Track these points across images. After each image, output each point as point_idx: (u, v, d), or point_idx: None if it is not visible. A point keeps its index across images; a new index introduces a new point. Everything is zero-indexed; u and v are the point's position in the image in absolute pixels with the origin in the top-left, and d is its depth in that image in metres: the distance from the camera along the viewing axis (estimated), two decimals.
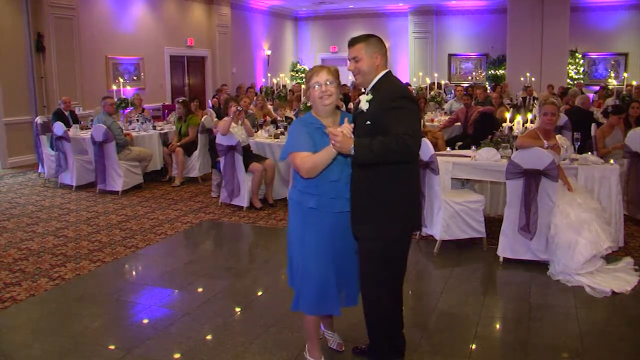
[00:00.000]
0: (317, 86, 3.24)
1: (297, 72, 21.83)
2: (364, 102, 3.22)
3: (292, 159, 3.26)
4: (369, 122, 3.13)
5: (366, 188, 3.21)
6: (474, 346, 3.93)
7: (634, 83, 16.59)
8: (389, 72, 3.31)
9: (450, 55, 20.82)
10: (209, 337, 4.09)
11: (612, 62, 19.19)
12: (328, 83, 3.23)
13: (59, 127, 8.81)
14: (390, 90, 3.20)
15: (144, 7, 14.57)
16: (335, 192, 3.29)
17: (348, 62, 3.36)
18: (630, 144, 6.65)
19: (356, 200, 3.27)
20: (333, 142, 3.00)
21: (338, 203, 3.30)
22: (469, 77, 20.52)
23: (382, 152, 2.99)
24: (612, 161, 6.09)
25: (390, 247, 3.27)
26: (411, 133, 3.00)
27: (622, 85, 16.19)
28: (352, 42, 3.31)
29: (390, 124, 3.04)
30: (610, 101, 13.27)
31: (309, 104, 9.31)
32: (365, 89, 3.36)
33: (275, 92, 16.62)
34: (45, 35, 11.40)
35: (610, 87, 16.98)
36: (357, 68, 3.28)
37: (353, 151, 3.01)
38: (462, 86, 15.62)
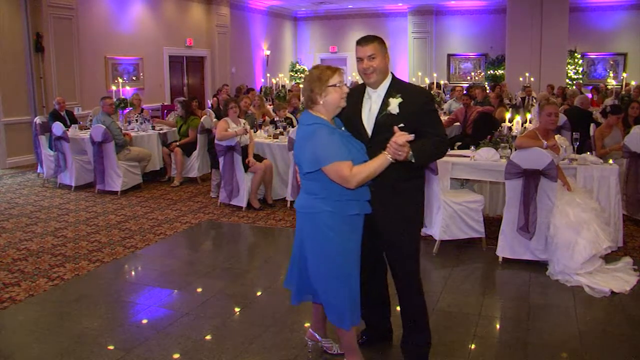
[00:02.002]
0: (338, 86, 3.15)
1: (296, 72, 21.83)
2: (394, 105, 3.21)
3: (335, 170, 3.03)
4: (402, 125, 3.08)
5: (404, 189, 3.31)
6: (473, 346, 3.93)
7: (633, 83, 16.63)
8: (394, 75, 3.41)
9: (449, 56, 20.83)
10: (208, 337, 4.09)
11: (611, 62, 19.21)
12: (343, 84, 3.21)
13: (58, 127, 8.80)
14: (420, 92, 3.40)
15: (143, 7, 14.57)
16: (368, 195, 3.24)
17: (359, 61, 3.30)
18: (630, 144, 6.65)
19: (396, 200, 3.30)
20: (399, 153, 2.97)
21: (368, 205, 3.27)
22: (468, 77, 20.52)
23: (435, 153, 3.32)
24: (611, 161, 6.09)
25: (419, 242, 3.50)
26: (445, 133, 3.32)
27: (621, 85, 16.19)
28: (367, 41, 3.29)
29: (428, 126, 3.22)
30: (609, 101, 13.28)
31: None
32: (370, 88, 3.34)
33: (275, 92, 16.62)
34: (44, 36, 11.39)
35: (609, 87, 17.00)
36: (372, 66, 3.25)
37: (413, 158, 3.05)
38: (462, 86, 15.63)
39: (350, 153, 3.08)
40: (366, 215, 3.27)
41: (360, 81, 3.58)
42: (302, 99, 3.31)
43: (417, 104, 3.23)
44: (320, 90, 3.11)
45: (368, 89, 3.39)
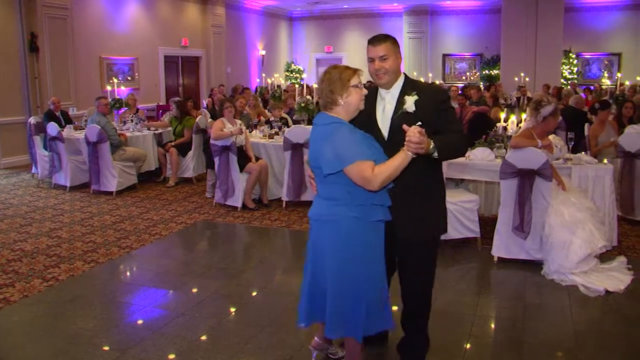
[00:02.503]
0: (359, 87, 3.03)
1: (291, 72, 21.83)
2: (410, 104, 3.11)
3: (358, 170, 2.87)
4: (420, 123, 2.95)
5: (424, 192, 3.25)
6: (468, 345, 3.94)
7: (627, 83, 16.67)
8: (406, 74, 3.32)
9: (444, 55, 20.86)
10: (203, 337, 4.08)
11: (606, 62, 19.27)
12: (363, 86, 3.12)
13: (52, 128, 8.78)
14: (437, 90, 3.37)
15: (138, 7, 14.54)
16: (389, 201, 3.11)
17: (371, 61, 3.19)
18: (624, 143, 6.68)
19: (418, 202, 3.23)
20: (421, 147, 2.84)
21: (389, 212, 3.14)
22: (464, 77, 20.56)
23: (458, 148, 3.21)
24: (605, 161, 6.11)
25: (437, 247, 3.45)
26: (463, 130, 3.29)
27: (615, 85, 16.25)
28: (379, 41, 3.17)
29: (448, 123, 3.17)
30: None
31: (303, 104, 9.33)
32: (383, 89, 3.26)
33: (270, 92, 16.61)
34: (38, 35, 11.35)
35: (603, 86, 17.05)
36: (384, 67, 3.15)
37: (436, 151, 2.95)
38: (457, 86, 15.65)
39: (371, 152, 2.95)
40: (386, 222, 3.16)
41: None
42: (319, 101, 3.16)
43: (433, 102, 3.15)
44: (342, 91, 2.98)
45: (380, 90, 3.28)
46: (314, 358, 3.62)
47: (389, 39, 3.19)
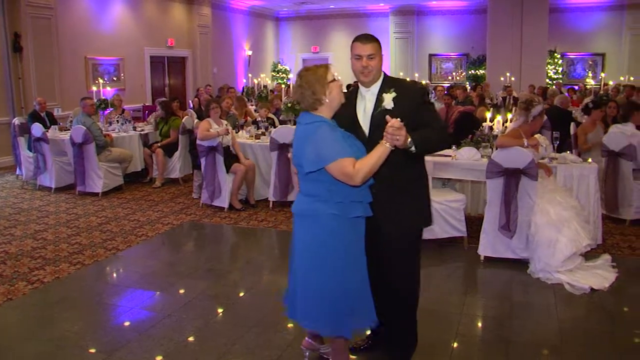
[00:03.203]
0: (336, 80, 3.11)
1: (278, 72, 21.81)
2: (388, 100, 3.19)
3: (339, 167, 2.94)
4: (398, 119, 2.97)
5: (406, 186, 3.29)
6: (455, 344, 3.96)
7: (611, 83, 16.84)
8: (385, 73, 3.39)
9: (430, 55, 20.92)
10: (191, 338, 4.07)
11: (590, 62, 19.44)
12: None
13: (37, 129, 8.71)
14: (416, 88, 3.39)
15: (124, 7, 14.45)
16: (369, 197, 3.16)
17: (358, 58, 3.23)
18: (608, 143, 6.74)
19: (398, 199, 3.26)
20: (397, 137, 2.89)
21: (369, 208, 3.18)
22: (450, 77, 20.64)
23: (436, 142, 3.23)
24: (590, 160, 6.16)
25: (420, 240, 3.47)
26: (445, 125, 3.31)
27: (599, 85, 16.41)
28: (367, 40, 3.24)
29: (428, 119, 3.21)
30: (588, 101, 13.43)
31: (289, 104, 9.31)
32: (364, 88, 3.31)
33: (257, 92, 16.59)
34: (22, 35, 11.23)
35: (588, 86, 17.20)
36: (370, 65, 3.22)
37: (413, 144, 2.98)
38: (443, 86, 15.70)
39: (352, 150, 3.02)
40: (368, 218, 3.20)
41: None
42: (299, 104, 3.20)
43: (411, 98, 3.22)
44: (324, 89, 3.05)
45: (361, 89, 3.35)
46: (306, 358, 3.62)
47: (375, 39, 3.28)
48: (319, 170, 3.01)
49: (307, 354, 3.62)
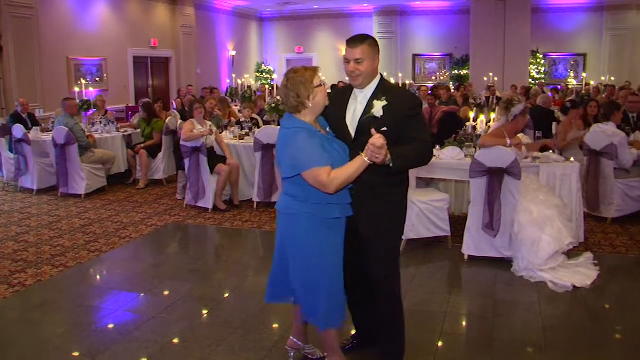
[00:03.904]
0: (322, 85, 3.10)
1: (262, 72, 21.77)
2: (378, 108, 3.14)
3: (314, 176, 2.98)
4: (385, 129, 3.04)
5: (386, 191, 3.25)
6: (440, 343, 3.98)
7: (592, 83, 17.02)
8: (382, 76, 3.33)
9: (414, 56, 21.01)
10: (175, 340, 4.05)
11: (572, 63, 19.64)
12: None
13: (18, 130, 8.62)
14: (407, 97, 3.33)
15: (107, 7, 14.34)
16: (349, 198, 3.20)
17: (346, 62, 3.21)
18: (590, 142, 6.80)
19: (376, 203, 3.25)
20: (377, 156, 2.89)
21: (350, 208, 3.22)
22: (433, 77, 20.73)
23: (416, 159, 3.20)
24: (572, 159, 6.22)
25: (399, 244, 3.51)
26: (430, 139, 3.26)
27: (581, 85, 16.59)
28: (356, 43, 3.18)
29: (412, 131, 3.17)
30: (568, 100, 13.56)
31: (273, 105, 9.29)
32: (357, 90, 3.28)
33: (240, 93, 16.55)
34: (3, 35, 11.10)
35: (569, 86, 17.37)
36: (359, 70, 3.17)
37: (392, 162, 2.98)
38: (427, 86, 15.77)
39: (331, 157, 3.02)
40: (348, 217, 3.23)
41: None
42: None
43: (402, 109, 3.16)
44: (308, 93, 3.05)
45: (355, 90, 3.30)
46: (290, 358, 3.62)
47: (366, 41, 3.20)
48: (295, 175, 3.07)
49: (292, 354, 3.62)
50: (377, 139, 2.88)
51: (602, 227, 6.64)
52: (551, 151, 6.30)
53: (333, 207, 3.13)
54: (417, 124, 3.22)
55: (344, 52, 3.29)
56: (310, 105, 3.08)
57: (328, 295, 3.19)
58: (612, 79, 17.59)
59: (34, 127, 9.37)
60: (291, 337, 3.62)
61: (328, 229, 3.16)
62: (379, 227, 3.27)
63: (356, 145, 3.13)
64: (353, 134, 3.23)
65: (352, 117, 3.27)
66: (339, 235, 3.23)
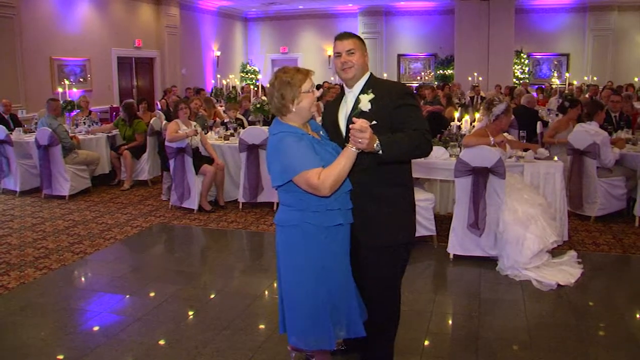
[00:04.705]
0: (310, 92, 2.93)
1: (247, 73, 21.73)
2: (365, 102, 3.02)
3: (305, 180, 2.80)
4: (375, 122, 2.89)
5: (385, 195, 3.10)
6: (426, 342, 3.99)
7: (575, 83, 17.18)
8: (372, 73, 3.26)
9: (399, 56, 21.08)
10: (161, 341, 4.02)
11: (555, 63, 19.82)
12: (314, 89, 3.02)
13: (0, 131, 8.52)
14: (394, 88, 3.17)
15: (90, 7, 14.24)
16: (350, 203, 3.02)
17: (337, 55, 3.14)
18: (573, 141, 6.86)
19: (376, 209, 3.09)
20: (359, 140, 2.72)
21: (351, 214, 3.05)
22: (418, 77, 20.81)
23: (410, 148, 2.95)
24: (555, 158, 6.28)
25: (404, 252, 3.29)
26: (428, 129, 3.01)
27: (564, 84, 16.74)
28: (345, 36, 3.15)
29: (404, 121, 3.00)
30: (553, 100, 13.69)
31: (258, 105, 9.27)
32: (345, 87, 3.22)
33: (225, 93, 16.50)
34: None
35: (553, 86, 17.50)
36: (351, 61, 3.10)
37: (381, 148, 2.79)
38: (412, 86, 15.85)
39: (322, 159, 2.86)
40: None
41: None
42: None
43: (390, 100, 3.04)
44: (293, 96, 2.89)
45: (345, 90, 3.24)
46: (292, 359, 3.58)
47: (355, 36, 3.20)
48: (287, 183, 2.90)
49: (293, 355, 3.55)
50: (357, 123, 2.74)
51: (586, 225, 6.70)
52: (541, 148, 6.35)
53: (334, 213, 2.94)
54: (409, 112, 3.05)
55: (329, 52, 3.29)
56: (294, 110, 2.92)
57: (334, 311, 3.01)
58: (595, 78, 17.79)
59: (16, 128, 9.28)
60: None
61: (332, 238, 2.96)
62: (381, 233, 3.11)
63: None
64: (344, 135, 3.13)
65: (344, 118, 3.19)
66: (343, 244, 3.05)
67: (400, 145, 2.89)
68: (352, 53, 3.12)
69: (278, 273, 3.16)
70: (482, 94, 14.94)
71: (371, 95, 3.04)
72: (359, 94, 3.12)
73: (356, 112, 3.04)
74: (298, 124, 2.98)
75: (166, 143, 7.44)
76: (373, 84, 3.17)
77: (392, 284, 3.27)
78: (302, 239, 2.96)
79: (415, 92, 12.32)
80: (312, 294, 2.98)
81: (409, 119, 3.02)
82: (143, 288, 5.03)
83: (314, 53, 21.00)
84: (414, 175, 6.10)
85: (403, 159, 3.08)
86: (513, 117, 8.99)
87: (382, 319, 3.28)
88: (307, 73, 2.97)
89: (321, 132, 3.15)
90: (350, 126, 2.77)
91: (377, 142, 2.78)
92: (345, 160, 2.81)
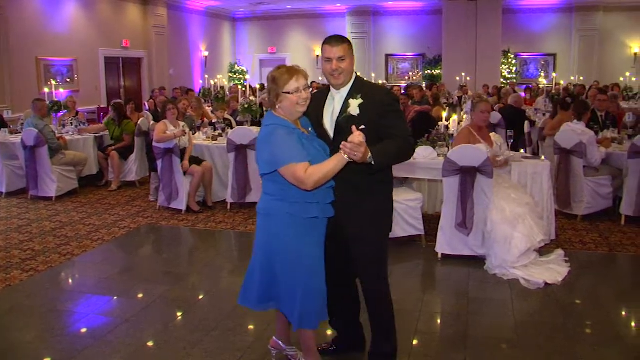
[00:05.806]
0: (296, 92, 3.05)
1: (235, 73, 21.68)
2: (354, 107, 3.14)
3: (291, 172, 2.97)
4: (363, 127, 2.99)
5: (369, 191, 3.24)
6: (415, 342, 4.00)
7: (562, 83, 17.30)
8: (357, 74, 3.33)
9: (387, 56, 21.13)
10: (149, 343, 4.01)
11: (542, 63, 19.95)
12: (306, 88, 3.11)
13: None
14: (383, 93, 3.30)
15: (77, 7, 14.15)
16: (331, 197, 3.19)
17: (328, 61, 3.19)
18: (560, 141, 6.90)
19: (359, 203, 3.24)
20: (355, 153, 2.84)
21: (331, 208, 3.21)
22: (406, 77, 20.87)
23: (397, 155, 3.18)
24: (543, 157, 6.31)
25: (387, 243, 3.42)
26: (410, 134, 3.23)
27: (552, 84, 16.84)
28: (337, 41, 3.19)
29: (391, 127, 3.16)
30: (540, 100, 13.76)
31: (246, 106, 9.26)
32: (334, 89, 3.28)
33: (213, 93, 16.46)
34: None
35: (540, 86, 17.60)
36: (341, 68, 3.17)
37: (372, 160, 2.95)
38: (400, 86, 15.90)
39: (309, 154, 3.02)
40: (335, 218, 3.23)
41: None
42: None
43: (378, 105, 3.16)
44: (276, 94, 3.07)
45: (332, 90, 3.31)
46: (273, 358, 3.60)
47: (346, 41, 3.24)
48: (273, 172, 3.06)
49: (274, 353, 3.60)
50: (356, 136, 2.85)
51: (573, 224, 6.75)
52: (522, 150, 6.39)
53: (311, 206, 3.10)
54: (395, 119, 3.20)
55: (317, 53, 3.32)
56: (278, 107, 3.10)
57: (305, 295, 3.16)
58: (582, 78, 17.91)
59: (2, 129, 9.19)
60: (274, 337, 3.61)
61: (306, 229, 3.13)
62: (366, 227, 3.26)
63: (335, 146, 3.08)
64: (332, 135, 3.24)
65: (330, 118, 3.28)
66: (319, 236, 3.21)
67: (389, 154, 3.09)
68: (343, 60, 3.18)
69: (254, 250, 3.33)
70: (469, 93, 15.00)
71: (360, 101, 3.15)
72: (348, 98, 3.21)
73: (345, 116, 3.17)
74: (289, 119, 3.11)
75: (154, 144, 7.41)
76: (360, 86, 3.26)
77: (383, 271, 3.40)
78: (278, 228, 3.14)
79: (403, 92, 12.35)
80: (288, 277, 3.19)
81: (395, 125, 3.18)
82: (131, 289, 5.01)
83: (302, 53, 20.97)
84: (403, 175, 6.20)
85: (390, 165, 3.30)
86: (501, 116, 9.08)
87: (380, 306, 3.43)
88: (295, 73, 3.08)
89: (310, 129, 3.26)
90: (350, 139, 2.86)
91: (370, 154, 2.93)
92: (335, 164, 2.96)
